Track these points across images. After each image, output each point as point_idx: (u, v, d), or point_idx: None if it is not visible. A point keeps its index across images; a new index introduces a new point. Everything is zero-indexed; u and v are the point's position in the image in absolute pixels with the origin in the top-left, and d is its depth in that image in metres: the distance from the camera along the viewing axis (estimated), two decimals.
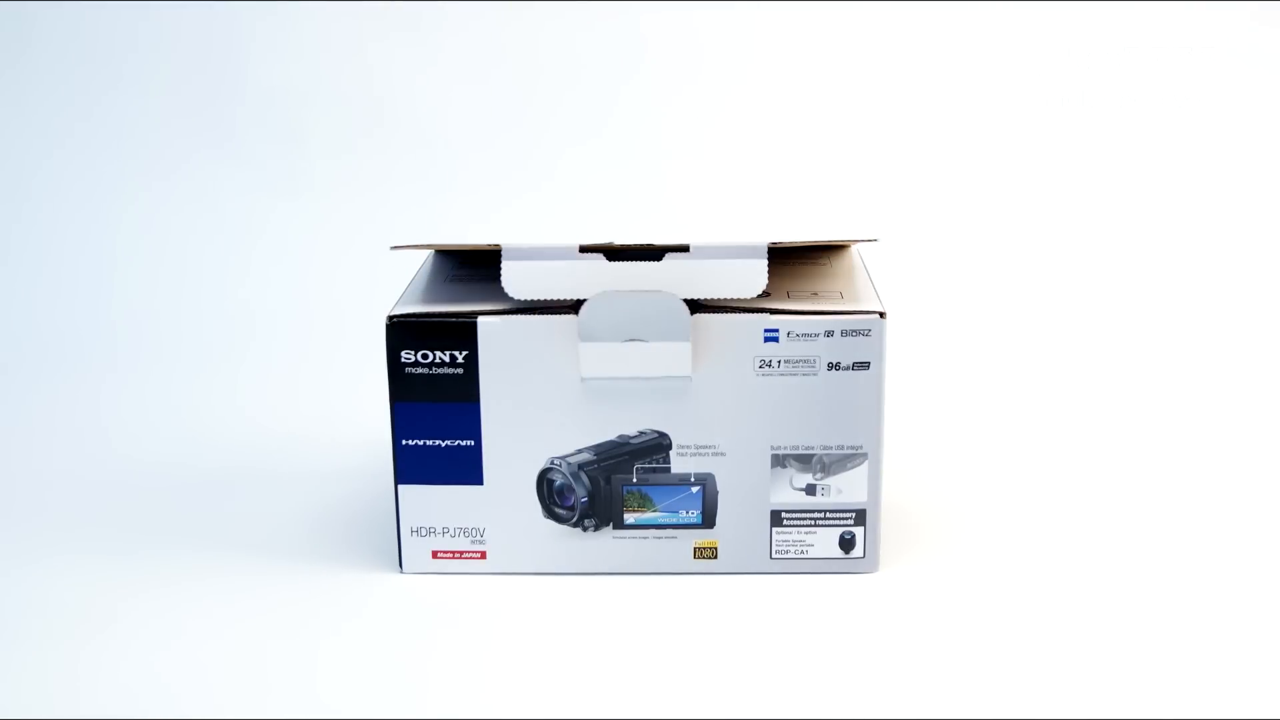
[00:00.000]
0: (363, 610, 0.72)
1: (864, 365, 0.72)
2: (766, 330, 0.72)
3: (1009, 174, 1.23)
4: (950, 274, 1.19)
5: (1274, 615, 0.71)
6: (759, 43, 1.25)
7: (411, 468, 0.74)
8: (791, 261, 0.80)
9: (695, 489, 0.74)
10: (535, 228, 1.19)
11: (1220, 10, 1.23)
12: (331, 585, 0.74)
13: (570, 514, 0.74)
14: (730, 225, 1.19)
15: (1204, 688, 0.64)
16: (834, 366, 0.72)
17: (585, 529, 0.74)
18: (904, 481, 0.87)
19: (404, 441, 0.73)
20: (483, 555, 0.75)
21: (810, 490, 0.74)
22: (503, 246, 0.71)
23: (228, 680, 0.66)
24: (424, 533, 0.75)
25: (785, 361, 0.72)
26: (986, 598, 0.73)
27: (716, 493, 0.74)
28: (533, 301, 0.72)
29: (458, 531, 0.75)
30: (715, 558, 0.75)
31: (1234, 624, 0.70)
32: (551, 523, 0.74)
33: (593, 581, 0.74)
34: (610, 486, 0.74)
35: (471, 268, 0.79)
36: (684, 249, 0.71)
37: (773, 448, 0.73)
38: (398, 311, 0.72)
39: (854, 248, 0.84)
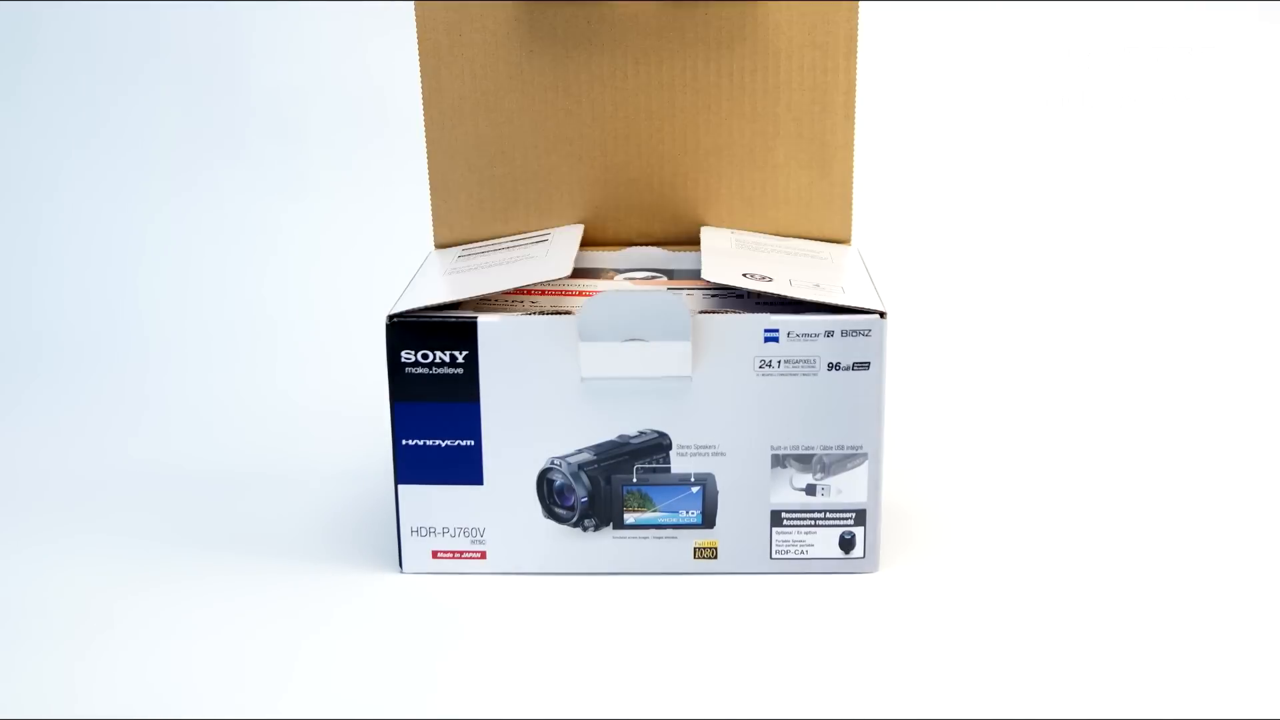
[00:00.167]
0: (363, 610, 0.72)
1: (864, 365, 0.72)
2: (766, 330, 0.72)
3: (1009, 174, 1.23)
4: (950, 274, 1.19)
5: (1273, 615, 0.71)
6: None
7: (411, 468, 0.74)
8: (794, 253, 0.80)
9: (695, 489, 0.74)
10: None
11: (1220, 10, 1.23)
12: (331, 585, 0.74)
13: (570, 514, 0.74)
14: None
15: (1204, 688, 0.64)
16: (834, 366, 0.72)
17: (585, 529, 0.74)
18: (904, 481, 0.87)
19: (404, 441, 0.74)
20: (483, 555, 0.75)
21: (810, 490, 0.74)
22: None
23: (228, 680, 0.66)
24: (424, 533, 0.75)
25: (785, 361, 0.72)
26: (985, 597, 0.73)
27: (716, 493, 0.74)
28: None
29: (458, 531, 0.75)
30: (715, 558, 0.75)
31: (1233, 624, 0.70)
32: (551, 523, 0.74)
33: (593, 581, 0.75)
34: (610, 486, 0.74)
35: (470, 258, 0.79)
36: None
37: (773, 448, 0.73)
38: (398, 311, 0.72)
39: (855, 246, 0.84)
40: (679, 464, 0.74)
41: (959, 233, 1.21)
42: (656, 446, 0.73)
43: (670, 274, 0.83)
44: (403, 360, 0.72)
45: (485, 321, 0.72)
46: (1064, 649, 0.68)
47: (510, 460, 0.74)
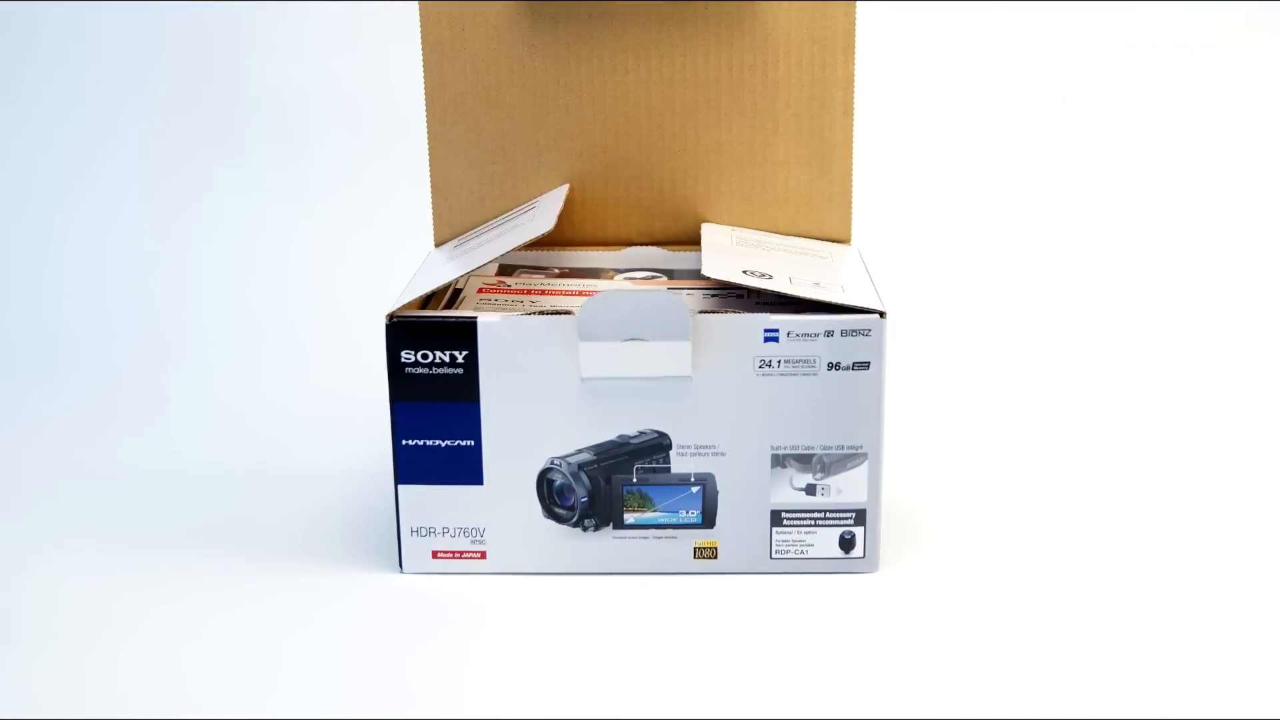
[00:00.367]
0: (363, 610, 0.72)
1: (864, 365, 0.72)
2: (766, 330, 0.72)
3: (1009, 174, 1.23)
4: (950, 274, 1.19)
5: (1273, 615, 0.71)
6: None
7: (411, 468, 0.74)
8: (794, 251, 0.80)
9: (695, 489, 0.74)
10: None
11: (1220, 10, 1.23)
12: (331, 585, 0.74)
13: (570, 514, 0.74)
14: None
15: (1204, 687, 0.64)
16: (834, 366, 0.72)
17: (585, 529, 0.74)
18: (904, 481, 0.87)
19: (404, 441, 0.73)
20: (483, 555, 0.75)
21: (810, 490, 0.74)
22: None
23: (228, 679, 0.66)
24: (424, 533, 0.75)
25: (785, 361, 0.72)
26: (986, 598, 0.73)
27: (716, 493, 0.74)
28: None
29: (458, 531, 0.75)
30: (715, 558, 0.75)
31: (1233, 624, 0.70)
32: (551, 523, 0.74)
33: (593, 581, 0.74)
34: (610, 486, 0.74)
35: (465, 243, 0.80)
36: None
37: (773, 448, 0.73)
38: (398, 311, 0.72)
39: (855, 245, 0.84)
40: (679, 464, 0.74)
41: (959, 232, 1.21)
42: (656, 446, 0.73)
43: (670, 274, 0.83)
44: (403, 360, 0.72)
45: (485, 321, 0.72)
46: (1064, 649, 0.68)
47: (510, 460, 0.73)
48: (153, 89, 1.25)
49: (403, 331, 0.72)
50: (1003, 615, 0.71)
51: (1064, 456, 0.91)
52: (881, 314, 0.72)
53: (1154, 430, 0.96)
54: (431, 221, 0.85)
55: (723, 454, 0.73)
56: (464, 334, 0.72)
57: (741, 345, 0.72)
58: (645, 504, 0.74)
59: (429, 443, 0.73)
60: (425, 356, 0.72)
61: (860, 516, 0.74)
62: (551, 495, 0.74)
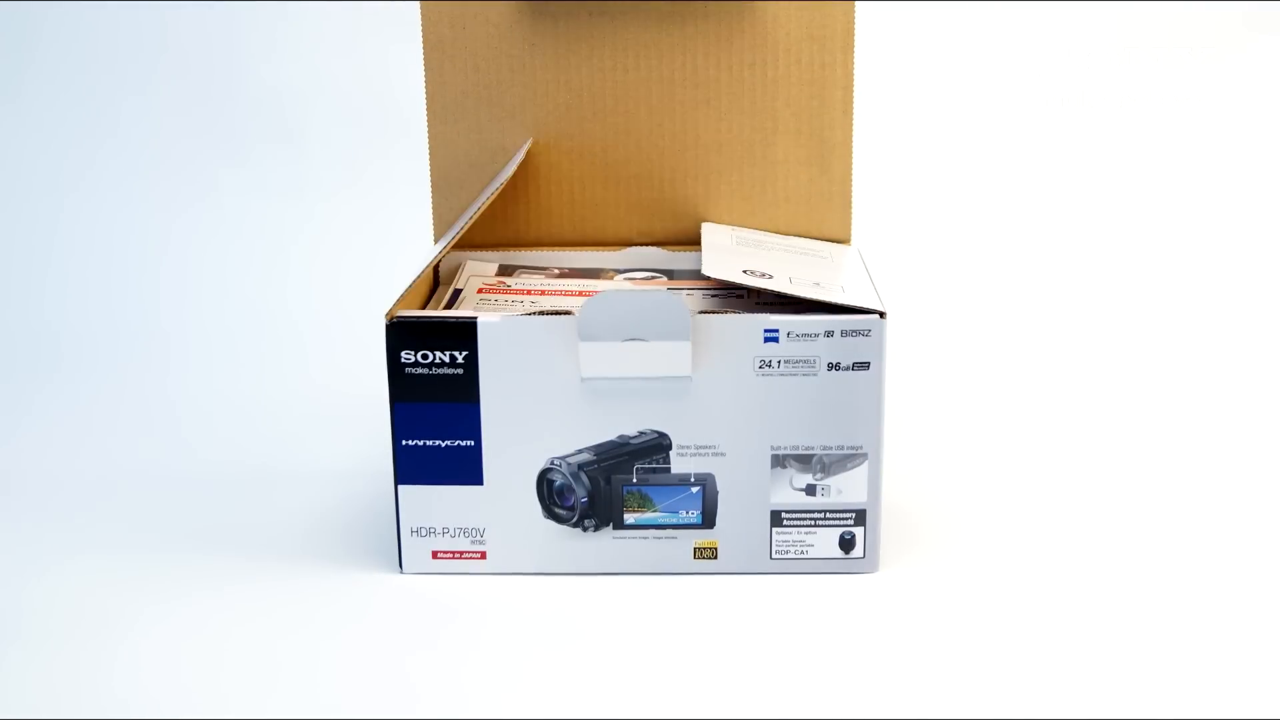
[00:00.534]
0: (363, 610, 0.72)
1: (864, 365, 0.72)
2: (766, 330, 0.72)
3: (1009, 174, 1.23)
4: (950, 274, 1.19)
5: (1273, 615, 0.71)
6: None
7: (411, 468, 0.74)
8: (795, 250, 0.80)
9: (695, 489, 0.74)
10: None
11: (1220, 11, 1.23)
12: (331, 585, 0.74)
13: (570, 514, 0.74)
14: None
15: (1204, 688, 0.64)
16: (834, 366, 0.72)
17: (585, 529, 0.74)
18: (904, 481, 0.87)
19: (404, 442, 0.73)
20: (483, 555, 0.75)
21: (810, 490, 0.74)
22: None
23: (228, 680, 0.66)
24: (424, 533, 0.75)
25: (785, 361, 0.72)
26: (986, 598, 0.73)
27: (716, 493, 0.74)
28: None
29: (458, 531, 0.75)
30: (715, 558, 0.75)
31: (1233, 624, 0.70)
32: (551, 523, 0.74)
33: (593, 581, 0.74)
34: (610, 486, 0.74)
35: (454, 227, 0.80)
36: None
37: (773, 448, 0.73)
38: (393, 310, 0.72)
39: (855, 245, 0.84)
40: (679, 464, 0.74)
41: (959, 233, 1.21)
42: (656, 447, 0.73)
43: (670, 274, 0.83)
44: (403, 360, 0.72)
45: (485, 321, 0.72)
46: (1064, 649, 0.68)
47: (510, 460, 0.73)
48: (153, 89, 1.25)
49: (403, 332, 0.72)
50: (1003, 615, 0.71)
51: (1064, 456, 0.91)
52: (881, 314, 0.72)
53: (1154, 430, 0.96)
54: (431, 221, 0.85)
55: (723, 454, 0.73)
56: (464, 334, 0.72)
57: (741, 345, 0.72)
58: (645, 504, 0.74)
59: (429, 443, 0.73)
60: (425, 357, 0.72)
61: (860, 517, 0.74)
62: (551, 495, 0.74)
